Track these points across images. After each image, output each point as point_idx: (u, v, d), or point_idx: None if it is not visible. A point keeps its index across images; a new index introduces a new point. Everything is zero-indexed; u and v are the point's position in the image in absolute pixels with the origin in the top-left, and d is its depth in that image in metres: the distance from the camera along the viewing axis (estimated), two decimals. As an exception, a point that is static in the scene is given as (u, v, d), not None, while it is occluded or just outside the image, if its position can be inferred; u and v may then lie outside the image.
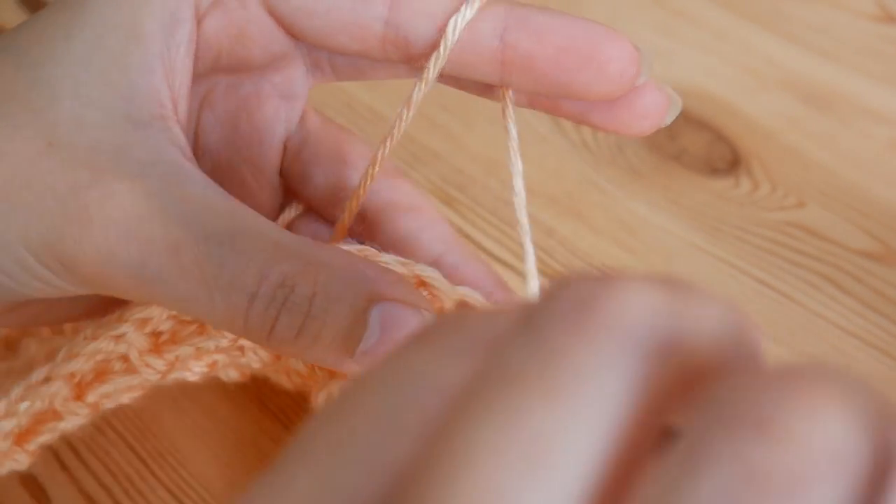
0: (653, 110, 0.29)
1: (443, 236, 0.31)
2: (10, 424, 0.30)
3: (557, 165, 0.46)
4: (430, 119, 0.47)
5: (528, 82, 0.28)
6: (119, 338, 0.29)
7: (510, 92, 0.28)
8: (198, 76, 0.30)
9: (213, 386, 0.36)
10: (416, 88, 0.28)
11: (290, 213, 0.32)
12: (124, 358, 0.30)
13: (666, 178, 0.46)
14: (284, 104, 0.31)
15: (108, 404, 0.32)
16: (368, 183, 0.29)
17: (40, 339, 0.33)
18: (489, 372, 0.14)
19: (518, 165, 0.28)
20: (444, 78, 0.29)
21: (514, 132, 0.28)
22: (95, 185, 0.25)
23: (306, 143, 0.32)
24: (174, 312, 0.29)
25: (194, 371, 0.32)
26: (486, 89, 0.30)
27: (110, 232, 0.25)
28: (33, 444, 0.31)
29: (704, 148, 0.47)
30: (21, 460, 0.31)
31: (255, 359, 0.31)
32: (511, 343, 0.14)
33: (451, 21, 0.27)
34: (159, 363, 0.30)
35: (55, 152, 0.26)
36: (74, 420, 0.31)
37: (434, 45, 0.27)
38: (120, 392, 0.31)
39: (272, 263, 0.25)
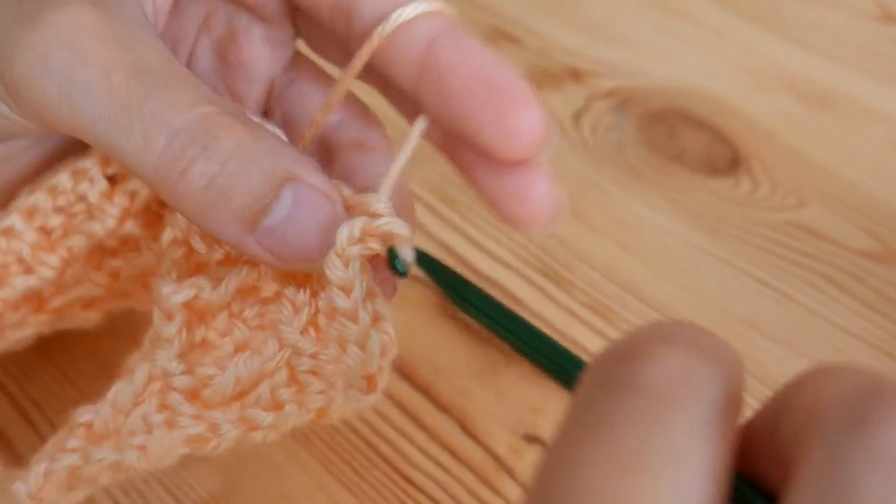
0: (538, 200, 0.27)
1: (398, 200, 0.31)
2: None
3: (557, 165, 0.46)
4: (430, 119, 0.47)
5: (436, 99, 0.26)
6: (7, 232, 0.28)
7: (422, 118, 0.27)
8: None
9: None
10: (349, 66, 0.28)
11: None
12: (19, 259, 0.29)
13: (666, 178, 0.46)
14: (270, 47, 0.31)
15: (11, 318, 0.31)
16: (326, 112, 0.29)
17: None
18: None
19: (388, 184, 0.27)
20: (369, 71, 0.28)
21: (403, 158, 0.27)
22: None
23: (291, 84, 0.31)
24: (61, 203, 0.28)
25: (97, 282, 0.31)
26: (401, 101, 0.29)
27: (49, 34, 0.25)
28: None
29: (704, 148, 0.47)
30: None
31: (109, 220, 0.30)
32: (865, 482, 0.16)
33: (397, 11, 0.26)
34: (52, 258, 0.29)
35: None
36: None
37: (372, 30, 0.27)
38: (21, 301, 0.30)
39: (203, 110, 0.25)
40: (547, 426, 0.36)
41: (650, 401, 0.17)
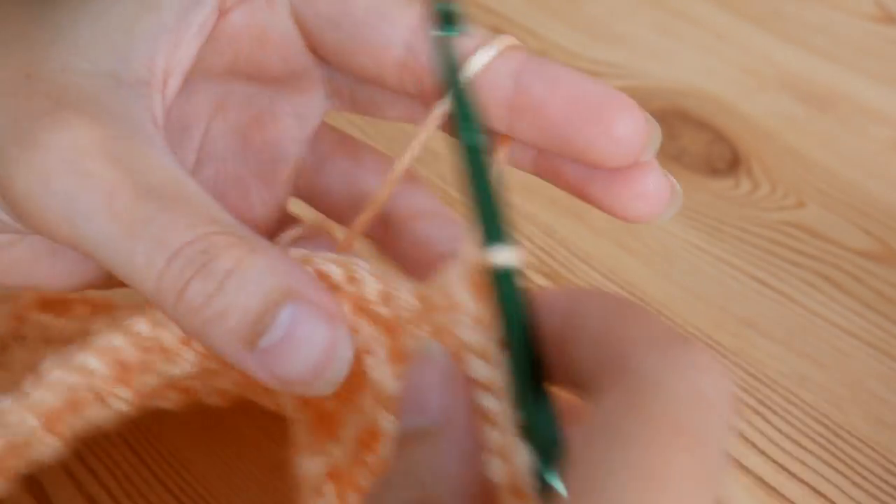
0: (653, 193, 0.28)
1: (457, 236, 0.31)
2: (47, 400, 0.28)
3: (557, 165, 0.46)
4: (430, 119, 0.47)
5: (534, 130, 0.27)
6: (81, 370, 0.28)
7: (508, 143, 0.28)
8: (212, 74, 0.30)
9: (214, 386, 0.36)
10: (428, 120, 0.28)
11: (292, 234, 0.31)
12: (92, 389, 0.28)
13: (666, 179, 0.46)
14: (300, 122, 0.31)
15: (88, 430, 0.30)
16: (389, 189, 0.29)
17: (27, 346, 0.33)
18: None
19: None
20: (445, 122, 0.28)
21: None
22: (53, 114, 0.25)
23: (324, 160, 0.31)
24: (138, 341, 0.28)
25: (170, 398, 0.31)
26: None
27: (50, 157, 0.25)
28: (8, 472, 0.30)
29: (704, 148, 0.47)
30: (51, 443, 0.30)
31: (228, 381, 0.30)
32: None
33: (474, 60, 0.27)
34: (126, 393, 0.29)
35: (30, 83, 0.26)
36: (47, 450, 0.29)
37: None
38: (94, 421, 0.30)
39: (203, 230, 0.24)
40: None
41: (718, 413, 0.18)
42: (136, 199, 0.24)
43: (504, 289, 0.22)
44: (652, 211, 0.28)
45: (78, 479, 0.35)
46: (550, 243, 0.43)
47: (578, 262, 0.42)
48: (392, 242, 0.31)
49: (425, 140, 0.28)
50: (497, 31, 0.28)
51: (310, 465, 0.28)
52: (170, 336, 0.28)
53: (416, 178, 0.32)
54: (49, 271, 0.30)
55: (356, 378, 0.26)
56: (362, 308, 0.26)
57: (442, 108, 0.27)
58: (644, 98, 0.49)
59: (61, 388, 0.28)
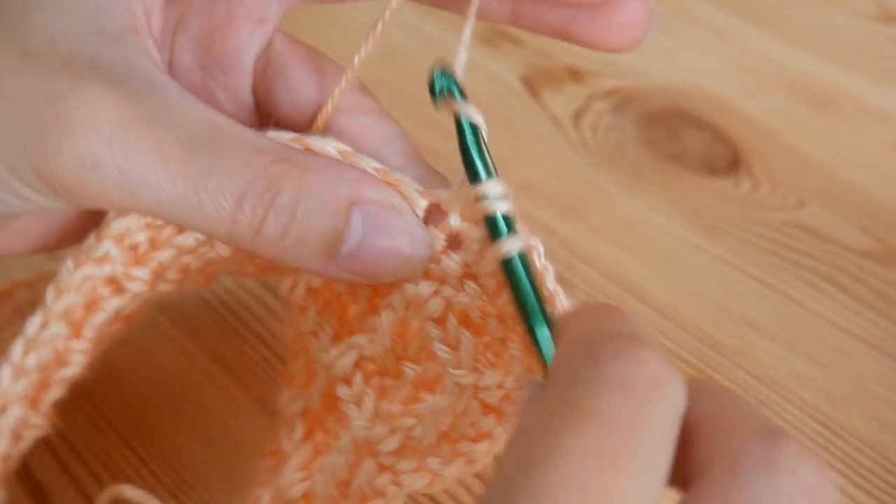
0: (634, 20, 0.29)
1: (403, 150, 0.31)
2: (22, 385, 0.29)
3: (557, 165, 0.46)
4: (430, 119, 0.47)
5: None
6: (102, 259, 0.29)
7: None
8: None
9: (213, 386, 0.36)
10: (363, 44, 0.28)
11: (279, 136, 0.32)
12: (110, 281, 0.29)
13: (666, 178, 0.46)
14: (257, 27, 0.31)
15: (105, 340, 0.31)
16: (339, 95, 0.29)
17: (15, 310, 0.33)
18: None
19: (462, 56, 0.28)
20: None
21: (467, 33, 0.28)
22: (73, 92, 0.25)
23: (272, 60, 0.31)
24: (148, 220, 0.29)
25: (168, 279, 0.31)
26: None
27: (92, 138, 0.25)
28: (45, 404, 0.31)
29: (704, 148, 0.47)
30: (40, 424, 0.31)
31: (222, 249, 0.30)
32: None
33: None
34: (144, 272, 0.29)
35: (29, 63, 0.26)
36: (77, 361, 0.30)
37: None
38: (112, 321, 0.31)
39: (258, 167, 0.25)
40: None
41: (637, 403, 0.18)
42: (185, 154, 0.25)
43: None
44: (637, 37, 0.29)
45: (77, 479, 0.35)
46: (550, 243, 0.42)
47: (578, 262, 0.42)
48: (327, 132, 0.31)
49: (375, 41, 0.28)
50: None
51: (335, 355, 0.29)
52: None
53: (365, 90, 0.32)
54: (34, 237, 0.30)
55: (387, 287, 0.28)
56: None
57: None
58: (644, 98, 0.50)
59: (83, 283, 0.29)
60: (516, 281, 0.25)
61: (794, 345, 0.39)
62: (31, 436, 0.30)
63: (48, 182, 0.26)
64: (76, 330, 0.30)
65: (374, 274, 0.26)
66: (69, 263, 0.29)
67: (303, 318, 0.30)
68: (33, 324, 0.29)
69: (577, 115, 0.48)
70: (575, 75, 0.50)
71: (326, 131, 0.30)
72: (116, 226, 0.29)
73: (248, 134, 0.26)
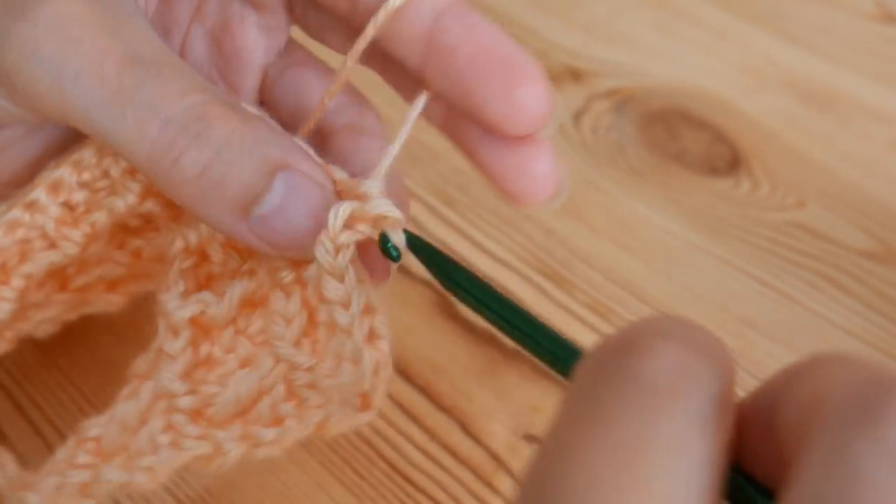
0: (541, 176, 0.27)
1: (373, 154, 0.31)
2: None
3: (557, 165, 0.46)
4: (430, 119, 0.47)
5: (443, 76, 0.27)
6: (32, 205, 0.28)
7: (425, 94, 0.28)
8: None
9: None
10: (351, 49, 0.28)
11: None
12: (43, 235, 0.29)
13: (666, 178, 0.46)
14: (264, 34, 0.31)
15: (36, 297, 0.31)
16: (329, 99, 0.29)
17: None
18: None
19: (393, 151, 0.27)
20: (372, 53, 0.28)
21: (400, 140, 0.27)
22: None
23: (285, 73, 0.31)
24: (84, 178, 0.28)
25: (120, 261, 0.31)
26: (403, 82, 0.29)
27: (39, 25, 0.25)
28: None
29: (704, 148, 0.47)
30: None
31: (131, 196, 0.30)
32: (875, 476, 0.16)
33: None
34: (76, 233, 0.29)
35: None
36: (1, 306, 0.30)
37: (377, 8, 0.27)
38: (45, 277, 0.30)
39: (196, 99, 0.25)
40: (547, 426, 0.36)
41: (650, 393, 0.17)
42: (124, 64, 0.25)
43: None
44: (537, 194, 0.28)
45: (77, 478, 0.35)
46: (550, 243, 0.43)
47: (578, 262, 0.42)
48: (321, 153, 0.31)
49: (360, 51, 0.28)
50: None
51: (175, 305, 0.28)
52: (115, 166, 0.28)
53: (362, 97, 0.32)
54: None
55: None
56: None
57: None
58: (644, 98, 0.50)
59: (12, 226, 0.28)
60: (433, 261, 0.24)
61: (794, 345, 0.39)
62: None
63: None
64: (3, 275, 0.29)
65: (280, 245, 0.25)
66: (3, 205, 0.29)
67: (172, 272, 0.29)
68: None
69: (577, 116, 0.48)
70: (575, 75, 0.50)
71: (321, 144, 0.30)
72: (48, 174, 0.28)
73: (200, 76, 0.26)
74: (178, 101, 0.25)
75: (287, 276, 0.27)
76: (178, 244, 0.29)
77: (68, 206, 0.29)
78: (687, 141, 0.48)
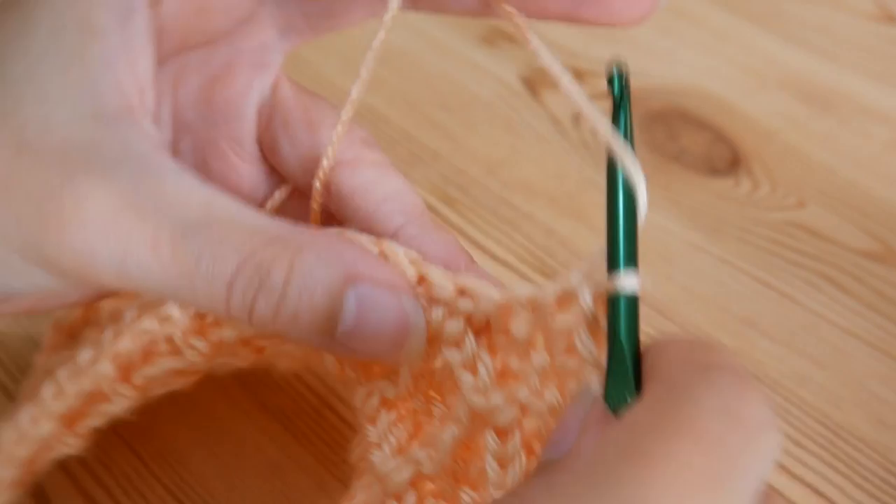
0: None
1: (404, 208, 0.31)
2: (58, 406, 0.30)
3: (557, 165, 0.46)
4: (430, 119, 0.47)
5: None
6: (164, 319, 0.29)
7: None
8: (166, 57, 0.30)
9: (213, 386, 0.36)
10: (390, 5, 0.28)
11: (280, 195, 0.32)
12: (169, 339, 0.30)
13: (666, 178, 0.46)
14: (257, 73, 0.31)
15: (157, 389, 0.32)
16: (333, 152, 0.29)
17: (99, 328, 0.33)
18: None
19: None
20: None
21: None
22: (68, 186, 0.26)
23: (276, 111, 0.31)
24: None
25: (241, 356, 0.32)
26: (468, 6, 0.30)
27: (88, 231, 0.26)
28: (83, 427, 0.32)
29: (704, 148, 0.47)
30: (71, 443, 0.32)
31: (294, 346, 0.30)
32: None
33: None
34: (202, 344, 0.30)
35: (25, 157, 0.26)
36: (121, 402, 0.31)
37: None
38: (166, 375, 0.31)
39: (249, 249, 0.25)
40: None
41: (743, 436, 0.19)
42: (176, 241, 0.25)
43: (624, 314, 0.22)
44: (648, 8, 0.29)
45: (77, 479, 0.35)
46: (550, 243, 0.43)
47: (578, 262, 0.42)
48: (336, 209, 0.31)
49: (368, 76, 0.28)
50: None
51: (361, 395, 0.29)
52: None
53: (361, 139, 0.31)
54: (57, 297, 0.30)
55: None
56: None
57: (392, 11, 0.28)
58: (644, 98, 0.50)
59: (141, 335, 0.29)
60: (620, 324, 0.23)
61: (794, 345, 0.39)
62: (61, 451, 0.32)
63: (53, 270, 0.27)
64: (125, 374, 0.30)
65: (374, 354, 0.26)
66: (134, 311, 0.30)
67: (373, 430, 0.29)
68: (84, 356, 0.30)
69: (577, 115, 0.48)
70: (575, 75, 0.50)
71: (328, 186, 0.30)
72: None
73: (245, 214, 0.26)
74: (235, 259, 0.25)
75: (505, 414, 0.26)
76: (373, 401, 0.29)
77: (200, 317, 0.30)
78: (687, 141, 0.48)
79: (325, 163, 0.30)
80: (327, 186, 0.30)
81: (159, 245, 0.25)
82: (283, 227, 0.26)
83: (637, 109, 0.49)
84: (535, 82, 0.50)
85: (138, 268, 0.25)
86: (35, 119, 0.26)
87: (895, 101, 0.49)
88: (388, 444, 0.29)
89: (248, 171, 0.32)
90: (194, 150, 0.31)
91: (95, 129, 0.26)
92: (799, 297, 0.41)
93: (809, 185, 0.45)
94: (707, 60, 0.52)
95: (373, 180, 0.30)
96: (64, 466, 0.35)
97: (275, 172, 0.32)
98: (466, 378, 0.26)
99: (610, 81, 0.25)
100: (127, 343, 0.29)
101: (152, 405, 0.33)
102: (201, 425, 0.36)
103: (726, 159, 0.47)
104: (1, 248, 0.26)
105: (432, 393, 0.28)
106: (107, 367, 0.30)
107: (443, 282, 0.26)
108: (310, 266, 0.25)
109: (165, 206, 0.26)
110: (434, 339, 0.27)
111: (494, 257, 0.42)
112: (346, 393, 0.32)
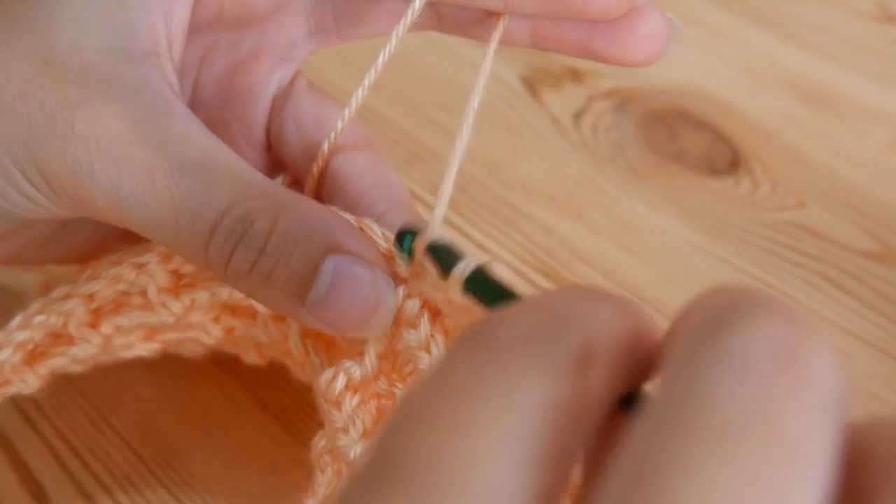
0: (656, 32, 0.29)
1: (390, 196, 0.31)
2: (22, 336, 0.30)
3: (557, 165, 0.46)
4: (430, 119, 0.47)
5: (532, 1, 0.28)
6: (141, 267, 0.29)
7: (504, 18, 0.28)
8: (201, 27, 0.30)
9: (213, 386, 0.36)
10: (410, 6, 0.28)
11: (280, 182, 0.32)
12: (142, 293, 0.30)
13: (666, 178, 0.46)
14: (281, 65, 0.32)
15: (122, 350, 0.32)
16: (334, 138, 0.30)
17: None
18: (695, 407, 0.15)
19: (475, 101, 0.28)
20: (439, 9, 0.29)
21: (488, 63, 0.28)
22: (84, 103, 0.26)
23: (289, 101, 0.32)
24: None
25: (210, 333, 0.32)
26: (476, 24, 0.30)
27: (91, 148, 0.26)
28: (44, 368, 0.31)
29: (704, 148, 0.47)
30: (30, 382, 0.31)
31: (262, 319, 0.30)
32: (713, 381, 0.15)
33: None
34: (175, 305, 0.30)
35: (49, 70, 0.27)
36: (86, 348, 0.31)
37: None
38: (134, 331, 0.31)
39: (237, 198, 0.26)
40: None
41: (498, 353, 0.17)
42: (172, 176, 0.26)
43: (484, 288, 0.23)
44: (658, 49, 0.30)
45: (77, 478, 0.35)
46: (550, 243, 0.43)
47: (578, 262, 0.42)
48: (327, 194, 0.32)
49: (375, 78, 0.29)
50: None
51: (326, 378, 0.28)
52: None
53: (363, 137, 0.32)
54: (61, 248, 0.31)
55: None
56: None
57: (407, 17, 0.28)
58: (644, 98, 0.50)
59: (115, 280, 0.29)
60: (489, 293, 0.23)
61: (794, 345, 0.39)
62: (16, 388, 0.32)
63: (50, 183, 0.27)
64: (94, 318, 0.30)
65: (341, 326, 0.26)
66: (113, 257, 0.30)
67: (338, 415, 0.29)
68: (58, 292, 0.30)
69: (577, 115, 0.48)
70: (575, 75, 0.50)
71: (323, 171, 0.31)
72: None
73: (242, 166, 0.27)
74: (221, 203, 0.26)
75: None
76: (339, 383, 0.28)
77: (176, 275, 0.30)
78: (687, 141, 0.48)
79: (325, 146, 0.30)
80: (323, 172, 0.31)
81: (155, 176, 0.26)
82: (274, 186, 0.27)
83: (637, 109, 0.49)
84: (535, 82, 0.50)
85: (131, 195, 0.26)
86: (66, 40, 0.27)
87: (895, 101, 0.49)
88: (354, 429, 0.29)
89: (252, 156, 0.32)
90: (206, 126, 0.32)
91: (120, 62, 0.27)
92: (799, 297, 0.41)
93: (809, 185, 0.46)
94: (707, 60, 0.52)
95: (366, 168, 0.31)
96: (64, 466, 0.35)
97: (277, 163, 0.33)
98: (423, 358, 0.26)
99: (400, 241, 0.26)
100: (101, 286, 0.29)
101: (152, 406, 0.33)
102: (201, 425, 0.36)
103: (726, 159, 0.47)
104: (3, 157, 0.27)
105: (394, 375, 0.28)
106: (77, 306, 0.30)
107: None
108: (293, 226, 0.26)
109: (169, 142, 0.26)
110: (398, 321, 0.27)
111: (494, 257, 0.42)
112: (308, 381, 0.31)
